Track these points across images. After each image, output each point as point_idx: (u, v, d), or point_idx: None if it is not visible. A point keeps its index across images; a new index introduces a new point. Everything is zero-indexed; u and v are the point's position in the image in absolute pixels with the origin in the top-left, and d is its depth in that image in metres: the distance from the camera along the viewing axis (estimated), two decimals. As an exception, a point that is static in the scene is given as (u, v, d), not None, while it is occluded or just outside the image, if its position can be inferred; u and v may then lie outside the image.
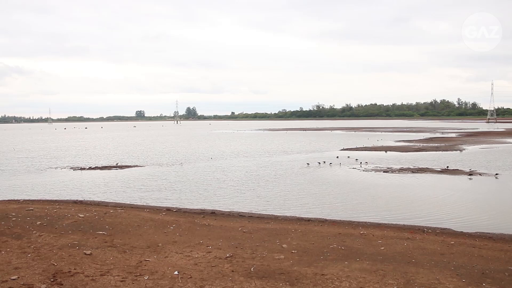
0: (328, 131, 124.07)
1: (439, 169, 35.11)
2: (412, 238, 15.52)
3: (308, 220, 19.11)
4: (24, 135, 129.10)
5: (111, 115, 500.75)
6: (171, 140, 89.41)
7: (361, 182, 30.00)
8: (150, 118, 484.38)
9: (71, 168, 40.31)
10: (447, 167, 36.25)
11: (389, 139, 76.91)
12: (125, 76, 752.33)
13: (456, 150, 53.74)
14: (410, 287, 10.23)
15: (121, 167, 40.54)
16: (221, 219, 19.03)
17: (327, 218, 19.50)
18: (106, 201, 24.19)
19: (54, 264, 11.62)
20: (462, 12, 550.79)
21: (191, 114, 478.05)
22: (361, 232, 16.30)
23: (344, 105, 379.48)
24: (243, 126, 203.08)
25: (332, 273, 11.11)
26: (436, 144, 62.69)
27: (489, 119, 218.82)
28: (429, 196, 25.11)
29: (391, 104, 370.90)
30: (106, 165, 42.14)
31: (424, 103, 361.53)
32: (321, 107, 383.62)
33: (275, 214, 20.63)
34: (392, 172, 34.24)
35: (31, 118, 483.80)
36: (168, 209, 21.52)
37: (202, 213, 20.64)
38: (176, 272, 11.03)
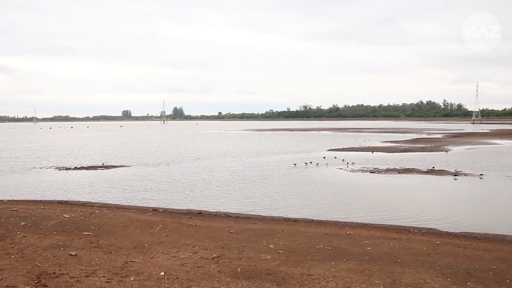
0: (315, 132, 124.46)
1: (425, 170, 35.36)
2: (398, 238, 15.60)
3: (295, 220, 19.12)
4: (8, 135, 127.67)
5: (97, 115, 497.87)
6: (157, 140, 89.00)
7: (347, 182, 30.11)
8: (137, 118, 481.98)
9: (56, 168, 39.93)
10: (433, 167, 36.54)
11: (376, 140, 77.33)
12: (112, 75, 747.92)
13: (441, 151, 54.19)
14: (396, 287, 10.28)
15: (107, 167, 40.25)
16: (208, 220, 18.97)
17: (314, 219, 19.52)
18: (92, 201, 23.98)
19: (38, 265, 11.48)
20: (450, 14, 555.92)
21: (178, 114, 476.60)
22: (348, 232, 16.35)
23: (331, 105, 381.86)
24: (230, 126, 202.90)
25: (319, 273, 11.12)
26: (422, 145, 63.16)
27: (474, 120, 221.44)
28: (415, 196, 25.28)
29: (378, 105, 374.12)
30: (92, 165, 41.81)
31: (411, 104, 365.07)
32: (308, 108, 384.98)
33: (262, 214, 20.61)
34: (378, 172, 34.42)
35: (16, 117, 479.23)
36: (155, 210, 21.40)
37: (189, 213, 20.56)
38: (162, 273, 10.97)
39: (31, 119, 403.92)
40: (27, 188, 28.80)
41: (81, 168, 39.68)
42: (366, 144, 65.87)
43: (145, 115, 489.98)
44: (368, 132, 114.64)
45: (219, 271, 11.25)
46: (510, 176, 31.81)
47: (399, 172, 34.21)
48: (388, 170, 35.32)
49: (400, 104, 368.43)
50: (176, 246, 13.94)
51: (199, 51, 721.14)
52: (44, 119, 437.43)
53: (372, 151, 53.47)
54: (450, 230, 17.39)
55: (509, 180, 30.44)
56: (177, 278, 10.68)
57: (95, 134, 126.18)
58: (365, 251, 13.52)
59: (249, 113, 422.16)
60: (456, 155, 48.22)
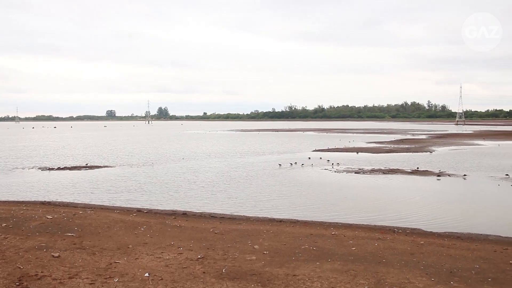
0: (300, 132, 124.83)
1: (410, 170, 35.63)
2: (383, 238, 15.67)
3: (280, 221, 19.11)
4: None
5: (81, 115, 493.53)
6: (142, 140, 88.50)
7: (333, 183, 30.21)
8: (121, 118, 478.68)
9: (39, 168, 39.45)
10: (417, 168, 36.83)
11: (361, 141, 77.77)
12: (96, 75, 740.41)
13: (426, 151, 54.69)
14: (381, 286, 10.31)
15: (91, 167, 39.89)
16: (193, 220, 18.88)
17: (299, 219, 19.54)
18: (75, 202, 23.72)
19: (20, 267, 11.30)
20: (434, 16, 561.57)
21: (163, 114, 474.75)
22: (333, 233, 16.39)
23: (317, 106, 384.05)
24: (215, 126, 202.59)
25: (304, 274, 11.12)
26: (407, 146, 63.67)
27: (458, 121, 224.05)
28: (399, 196, 25.46)
29: (363, 105, 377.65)
30: (76, 165, 41.40)
31: (395, 105, 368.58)
32: (293, 108, 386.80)
33: (247, 215, 20.57)
34: (363, 173, 34.59)
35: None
36: (139, 210, 21.24)
37: (174, 214, 20.45)
38: (146, 274, 10.87)
39: (13, 119, 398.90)
40: (9, 189, 28.41)
41: (65, 168, 39.26)
42: (351, 145, 66.20)
43: (130, 115, 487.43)
44: (353, 132, 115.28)
45: (204, 272, 11.19)
46: (493, 177, 32.19)
47: (384, 173, 34.41)
48: (373, 171, 35.52)
49: (385, 105, 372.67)
50: (161, 247, 13.85)
51: (183, 50, 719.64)
52: (26, 119, 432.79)
53: (357, 152, 53.77)
54: (434, 230, 17.53)
55: (491, 180, 30.80)
56: (162, 279, 10.60)
57: (79, 134, 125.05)
58: (350, 251, 13.56)
59: (234, 114, 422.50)
60: (440, 156, 48.71)
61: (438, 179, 31.44)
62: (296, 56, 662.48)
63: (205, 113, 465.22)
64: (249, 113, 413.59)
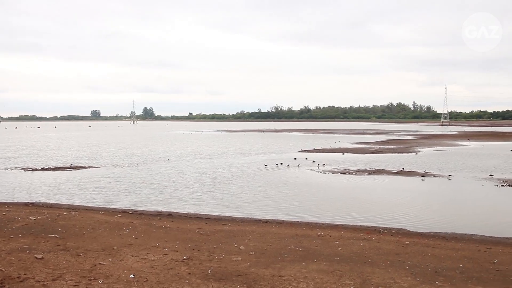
0: (286, 133, 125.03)
1: (395, 171, 35.87)
2: (369, 238, 15.74)
3: (266, 221, 19.10)
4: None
5: (65, 115, 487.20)
6: (127, 141, 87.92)
7: (318, 183, 30.28)
8: (106, 118, 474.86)
9: (22, 169, 38.96)
10: (403, 168, 37.09)
11: (347, 141, 78.11)
12: (80, 74, 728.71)
13: (411, 152, 55.10)
14: (367, 286, 10.34)
15: (75, 168, 39.51)
16: (178, 221, 18.80)
17: (285, 220, 19.55)
18: (59, 203, 23.47)
19: (2, 270, 11.12)
20: (419, 18, 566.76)
21: (148, 115, 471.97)
22: (319, 233, 16.43)
23: (302, 107, 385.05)
24: (201, 127, 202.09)
25: (290, 274, 11.11)
26: (392, 146, 64.10)
27: (442, 122, 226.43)
28: (385, 197, 25.60)
29: (349, 106, 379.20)
30: (59, 166, 40.96)
31: (381, 106, 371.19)
32: (279, 109, 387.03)
33: (233, 215, 20.55)
34: (349, 173, 34.73)
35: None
36: (124, 211, 21.08)
37: (159, 215, 20.33)
38: (131, 276, 10.78)
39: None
40: (-8, 190, 27.99)
41: (48, 169, 38.82)
42: (337, 146, 66.46)
43: (115, 115, 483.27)
44: (339, 133, 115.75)
45: (189, 273, 11.13)
46: (477, 177, 32.53)
47: (369, 173, 34.59)
48: (358, 171, 35.68)
49: (371, 106, 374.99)
50: (146, 248, 13.75)
51: (169, 50, 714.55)
52: (9, 119, 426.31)
53: (343, 153, 53.99)
54: (419, 230, 17.67)
55: (476, 180, 31.13)
56: (147, 280, 10.51)
57: (63, 134, 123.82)
58: (335, 252, 13.59)
59: (220, 114, 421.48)
60: (425, 156, 49.13)
61: (423, 180, 31.69)
62: (283, 57, 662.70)
63: (190, 114, 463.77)
64: (235, 113, 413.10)
